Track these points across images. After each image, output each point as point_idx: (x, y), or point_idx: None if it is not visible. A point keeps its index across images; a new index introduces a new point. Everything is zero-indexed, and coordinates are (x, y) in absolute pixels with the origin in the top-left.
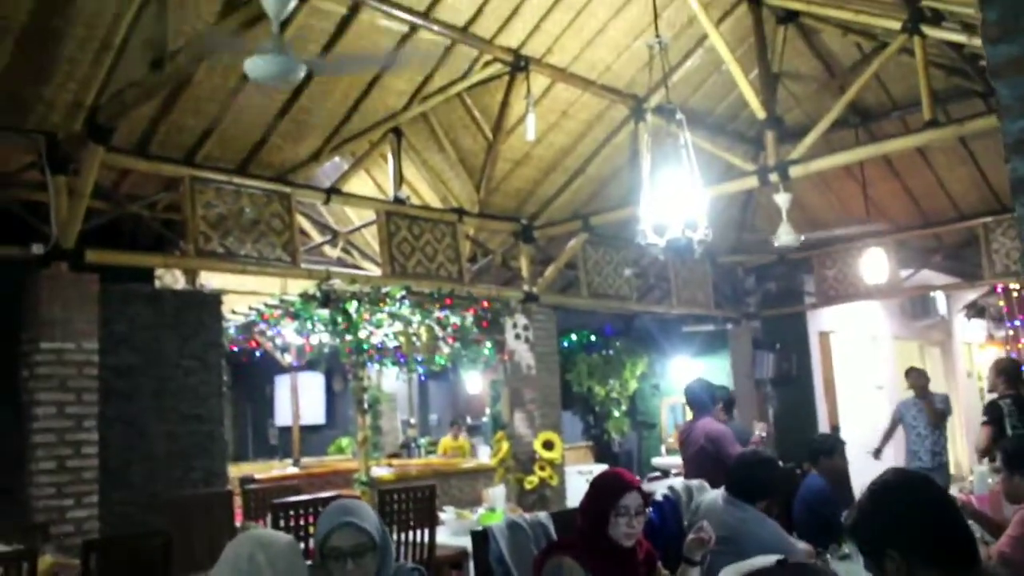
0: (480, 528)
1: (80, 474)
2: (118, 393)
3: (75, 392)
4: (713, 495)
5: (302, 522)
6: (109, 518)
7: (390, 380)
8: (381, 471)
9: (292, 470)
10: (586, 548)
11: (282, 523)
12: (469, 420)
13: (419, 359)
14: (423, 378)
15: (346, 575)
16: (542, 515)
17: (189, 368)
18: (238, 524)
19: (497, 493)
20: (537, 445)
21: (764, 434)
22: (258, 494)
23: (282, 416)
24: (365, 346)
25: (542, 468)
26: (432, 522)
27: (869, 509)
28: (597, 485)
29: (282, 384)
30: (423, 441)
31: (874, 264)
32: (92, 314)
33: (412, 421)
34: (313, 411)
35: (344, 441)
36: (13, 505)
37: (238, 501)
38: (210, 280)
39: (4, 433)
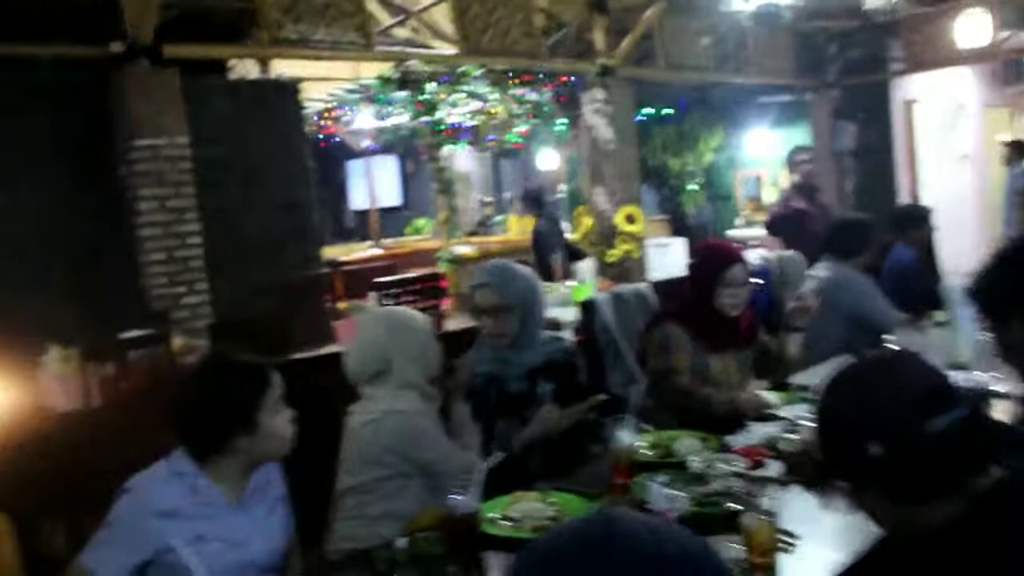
0: (583, 300)
1: (187, 263)
2: (209, 185)
3: (173, 186)
4: (816, 264)
5: (402, 300)
6: (217, 303)
7: (464, 160)
8: (463, 249)
9: (375, 251)
10: (692, 317)
11: (385, 301)
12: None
13: (494, 138)
14: (496, 157)
15: (486, 328)
16: (643, 286)
17: (275, 157)
18: (342, 304)
19: (585, 267)
20: (619, 219)
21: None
22: (354, 275)
23: (356, 200)
24: (442, 127)
25: (624, 241)
26: None
27: (997, 270)
28: (703, 258)
29: (355, 169)
30: (499, 219)
31: (972, 26)
32: (179, 108)
33: (487, 200)
34: (388, 194)
35: (421, 222)
36: (135, 295)
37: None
38: (281, 69)
39: (115, 227)
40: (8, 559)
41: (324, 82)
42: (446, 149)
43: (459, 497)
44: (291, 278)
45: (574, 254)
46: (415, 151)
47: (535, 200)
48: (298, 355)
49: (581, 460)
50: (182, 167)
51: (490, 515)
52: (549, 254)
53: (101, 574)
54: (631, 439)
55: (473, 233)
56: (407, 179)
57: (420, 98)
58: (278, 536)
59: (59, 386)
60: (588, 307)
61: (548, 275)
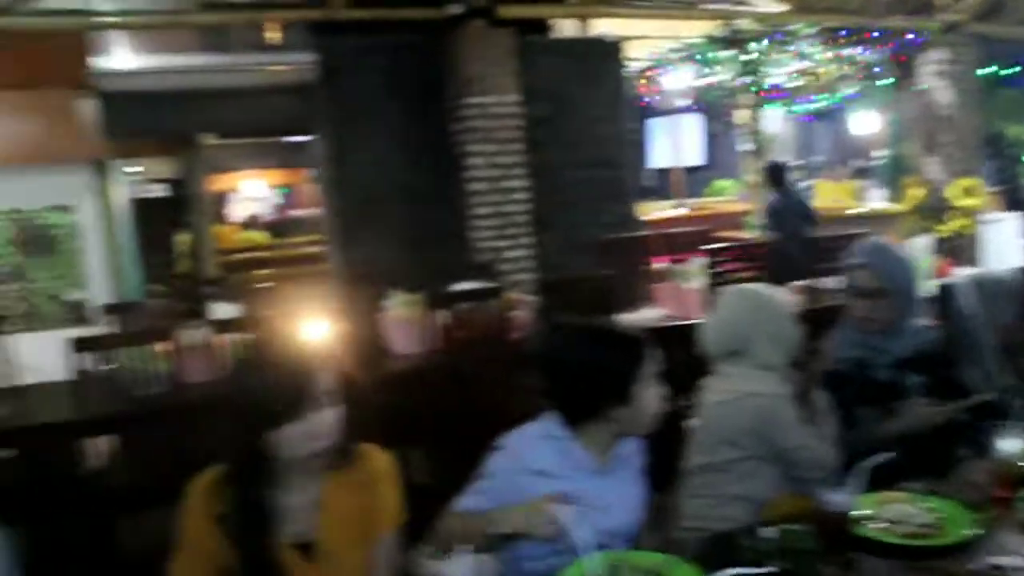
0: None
1: (513, 218)
2: (536, 142)
3: (501, 143)
4: None
5: (728, 268)
6: (536, 258)
7: (772, 121)
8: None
9: (678, 211)
10: None
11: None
12: (858, 162)
13: (809, 99)
14: (808, 119)
15: (858, 311)
16: (1009, 269)
17: (596, 116)
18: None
19: (920, 243)
20: (954, 191)
21: None
22: (671, 237)
23: (657, 158)
24: (763, 86)
25: (958, 216)
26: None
27: None
28: None
29: (657, 127)
30: (807, 184)
31: None
32: (510, 68)
33: (796, 163)
34: (691, 153)
35: (724, 183)
36: (461, 247)
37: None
38: (600, 28)
39: (446, 182)
40: (394, 497)
41: (642, 41)
42: (759, 110)
43: (835, 494)
44: (611, 237)
45: None
46: (721, 110)
47: (775, 174)
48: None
49: (949, 463)
50: (510, 124)
51: (859, 514)
52: (784, 233)
53: None
54: (1016, 448)
55: None
56: (711, 138)
57: (744, 58)
58: (636, 506)
59: (401, 329)
60: (946, 292)
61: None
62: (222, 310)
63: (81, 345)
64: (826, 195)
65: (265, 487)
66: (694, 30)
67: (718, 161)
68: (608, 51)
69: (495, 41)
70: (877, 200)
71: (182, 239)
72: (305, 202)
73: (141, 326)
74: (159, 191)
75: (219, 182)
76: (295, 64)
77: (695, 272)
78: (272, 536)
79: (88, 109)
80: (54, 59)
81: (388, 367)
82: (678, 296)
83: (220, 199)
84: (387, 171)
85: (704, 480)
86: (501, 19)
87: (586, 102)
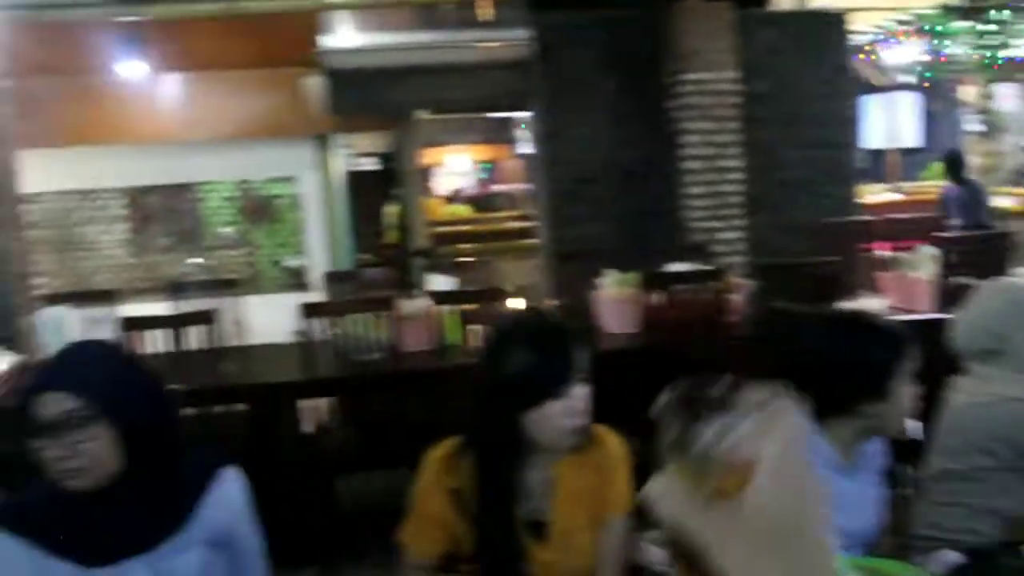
0: None
1: (727, 198)
2: (753, 120)
3: (718, 120)
4: None
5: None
6: (749, 240)
7: (1004, 100)
8: (1004, 201)
9: (890, 196)
10: None
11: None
12: None
13: None
14: None
15: None
16: None
17: (818, 93)
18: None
19: None
20: None
21: None
22: (892, 223)
23: (869, 138)
24: (999, 60)
25: None
26: None
27: None
28: None
29: (871, 105)
30: None
31: None
32: (728, 43)
33: None
34: (907, 133)
35: (941, 166)
36: (672, 226)
37: None
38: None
39: (659, 160)
40: (626, 481)
41: (865, 13)
42: (992, 87)
43: None
44: (829, 220)
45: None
46: (943, 88)
47: (953, 164)
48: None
49: None
50: (727, 101)
51: None
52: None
53: None
54: None
55: (1016, 183)
56: (930, 118)
57: (981, 28)
58: (877, 510)
59: (613, 309)
60: None
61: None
62: (436, 282)
63: (309, 311)
64: None
65: (511, 465)
66: (921, 1)
67: (936, 143)
68: (831, 24)
69: (713, 15)
70: None
71: (390, 211)
72: (507, 177)
73: (356, 294)
74: (370, 164)
75: (426, 156)
76: (509, 40)
77: (923, 261)
78: (510, 514)
79: (313, 86)
80: (285, 39)
81: (599, 346)
82: (904, 286)
83: (425, 173)
84: (600, 148)
85: (949, 488)
86: None
87: (806, 78)
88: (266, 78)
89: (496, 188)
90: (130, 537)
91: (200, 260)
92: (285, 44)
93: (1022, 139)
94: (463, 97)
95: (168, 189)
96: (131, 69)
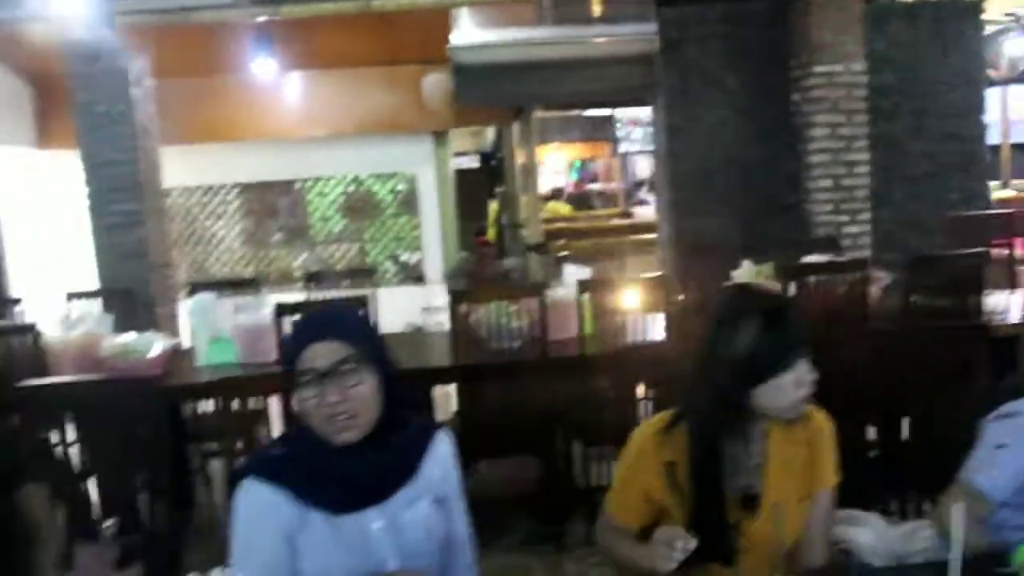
0: None
1: (853, 192)
2: (880, 112)
3: (845, 113)
4: None
5: None
6: (874, 235)
7: None
8: None
9: (1004, 193)
10: None
11: None
12: None
13: None
14: None
15: None
16: None
17: (949, 84)
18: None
19: None
20: None
21: None
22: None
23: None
24: None
25: None
26: None
27: None
28: None
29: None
30: None
31: None
32: (858, 35)
33: None
34: (1020, 128)
35: None
36: (795, 221)
37: None
38: None
39: (784, 154)
40: (833, 456)
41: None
42: None
43: None
44: (961, 214)
45: None
46: None
47: None
48: None
49: None
50: (856, 94)
51: None
52: None
53: (994, 494)
54: None
55: None
56: None
57: None
58: None
59: None
60: None
61: None
62: (574, 272)
63: (456, 298)
64: None
65: (729, 439)
66: None
67: None
68: (966, 13)
69: (843, 6)
70: None
71: (493, 208)
72: (603, 176)
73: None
74: (470, 162)
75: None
76: (631, 35)
77: None
78: (724, 488)
79: (432, 82)
80: (411, 36)
81: None
82: None
83: (530, 170)
84: (723, 141)
85: None
86: None
87: (937, 69)
88: (387, 75)
89: (592, 186)
90: (372, 487)
91: (307, 255)
92: (409, 41)
93: None
94: (585, 91)
95: (282, 185)
96: (261, 68)
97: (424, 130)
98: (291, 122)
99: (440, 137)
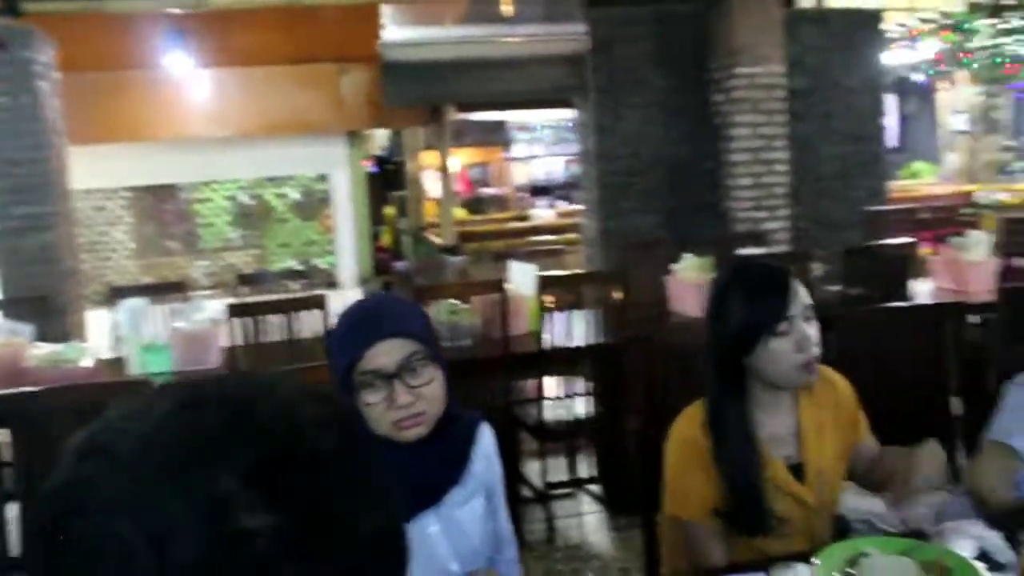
0: None
1: (772, 189)
2: (794, 114)
3: (766, 113)
4: None
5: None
6: (791, 231)
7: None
8: (997, 195)
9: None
10: None
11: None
12: None
13: None
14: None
15: None
16: None
17: (852, 88)
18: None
19: None
20: None
21: None
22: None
23: None
24: (1008, 59)
25: None
26: None
27: None
28: None
29: None
30: (1020, 166)
31: None
32: (776, 38)
33: (1009, 144)
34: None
35: (920, 166)
36: (718, 218)
37: None
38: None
39: (705, 153)
40: (858, 409)
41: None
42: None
43: None
44: (875, 209)
45: None
46: (918, 89)
47: None
48: None
49: None
50: (775, 95)
51: None
52: None
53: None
54: None
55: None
56: (904, 119)
57: (1002, 26)
58: None
59: (687, 292)
60: None
61: None
62: (520, 270)
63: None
64: None
65: (746, 410)
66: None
67: (912, 142)
68: (869, 22)
69: (763, 10)
70: None
71: (388, 213)
72: (494, 180)
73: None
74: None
75: (423, 159)
76: (560, 35)
77: (975, 245)
78: (757, 462)
79: (350, 82)
80: (333, 33)
81: (672, 328)
82: (957, 270)
83: (430, 175)
84: (649, 141)
85: None
86: None
87: (844, 74)
88: (304, 73)
89: (484, 191)
90: (426, 487)
91: (207, 262)
92: (330, 39)
93: (1007, 138)
94: (513, 90)
95: (171, 189)
96: (174, 63)
97: (339, 131)
98: (198, 122)
99: (355, 138)
